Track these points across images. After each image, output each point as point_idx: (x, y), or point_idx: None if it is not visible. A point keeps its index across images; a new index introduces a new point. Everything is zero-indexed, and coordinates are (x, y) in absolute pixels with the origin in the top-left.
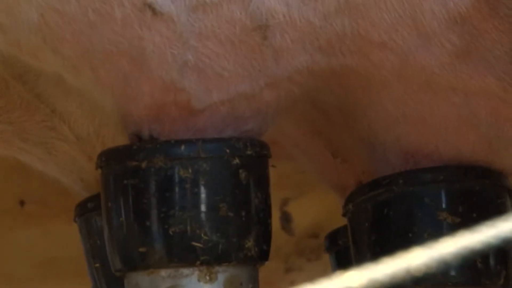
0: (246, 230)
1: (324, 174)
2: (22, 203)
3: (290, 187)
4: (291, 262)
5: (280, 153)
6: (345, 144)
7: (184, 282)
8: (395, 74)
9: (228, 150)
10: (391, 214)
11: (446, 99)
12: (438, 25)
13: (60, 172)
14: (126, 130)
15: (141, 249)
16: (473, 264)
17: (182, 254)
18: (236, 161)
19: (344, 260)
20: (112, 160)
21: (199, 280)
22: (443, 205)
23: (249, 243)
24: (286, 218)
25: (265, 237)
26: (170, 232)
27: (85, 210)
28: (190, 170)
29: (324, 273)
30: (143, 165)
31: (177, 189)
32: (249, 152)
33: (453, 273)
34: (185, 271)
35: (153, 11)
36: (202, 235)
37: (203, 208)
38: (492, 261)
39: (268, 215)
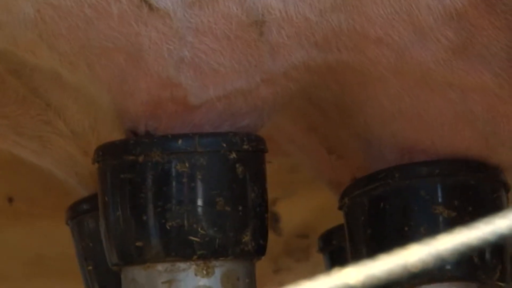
0: (243, 225)
1: (319, 170)
2: (10, 200)
3: (278, 187)
4: (280, 262)
5: (276, 149)
6: (341, 140)
7: (181, 277)
8: (391, 70)
9: (225, 145)
10: (387, 208)
11: (442, 95)
12: (434, 21)
13: (55, 166)
14: (122, 126)
15: (138, 244)
16: (469, 259)
17: (179, 249)
18: (233, 155)
19: (338, 260)
20: (109, 155)
21: (196, 275)
22: (439, 199)
23: (246, 237)
24: (274, 218)
25: (262, 232)
26: (167, 227)
27: (77, 213)
28: (187, 165)
29: (313, 273)
30: (140, 159)
31: (174, 184)
32: (245, 147)
33: (449, 267)
34: (182, 265)
35: (150, 6)
36: (199, 229)
37: (200, 202)
38: (488, 256)
39: (265, 209)
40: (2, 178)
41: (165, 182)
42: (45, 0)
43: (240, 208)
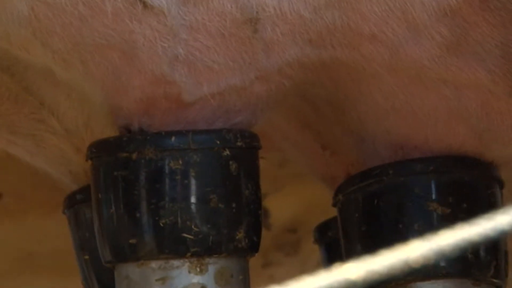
0: (237, 222)
1: (313, 166)
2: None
3: (267, 181)
4: (269, 257)
5: (269, 145)
6: (335, 136)
7: (175, 274)
8: (385, 66)
9: (218, 142)
10: (381, 205)
11: (436, 92)
12: (428, 17)
13: (49, 165)
14: (116, 123)
15: (132, 241)
16: (463, 255)
17: (173, 246)
18: (227, 152)
19: (334, 252)
20: (102, 152)
21: (189, 272)
22: (433, 196)
23: (240, 234)
24: (263, 213)
25: (255, 229)
26: (161, 224)
27: (74, 202)
28: (180, 162)
29: (302, 267)
30: (134, 156)
31: (167, 181)
32: (239, 144)
33: (443, 264)
34: (176, 262)
35: (144, 4)
36: (193, 226)
37: (193, 199)
38: (482, 252)
39: (259, 206)
40: None
41: (158, 179)
42: None
43: (234, 205)
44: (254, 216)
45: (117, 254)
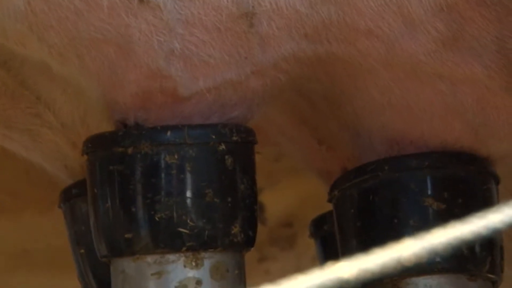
0: (232, 216)
1: (309, 161)
2: None
3: (263, 176)
4: (265, 251)
5: (265, 140)
6: (331, 131)
7: (170, 268)
8: (381, 61)
9: (214, 136)
10: (377, 201)
11: (432, 87)
12: (424, 12)
13: (45, 160)
14: (111, 118)
15: (127, 235)
16: (459, 251)
17: (168, 240)
18: (222, 147)
19: (330, 246)
20: (98, 146)
21: (185, 266)
22: (429, 191)
23: (235, 229)
24: (259, 208)
25: (251, 223)
26: (156, 218)
27: (70, 197)
28: (176, 156)
29: (298, 262)
30: (129, 151)
31: (163, 175)
32: (235, 138)
33: (438, 259)
34: (171, 257)
35: None
36: (188, 221)
37: (189, 194)
38: (477, 248)
39: (254, 201)
40: None
41: (154, 174)
42: None
43: (229, 199)
44: (249, 211)
45: (113, 248)
